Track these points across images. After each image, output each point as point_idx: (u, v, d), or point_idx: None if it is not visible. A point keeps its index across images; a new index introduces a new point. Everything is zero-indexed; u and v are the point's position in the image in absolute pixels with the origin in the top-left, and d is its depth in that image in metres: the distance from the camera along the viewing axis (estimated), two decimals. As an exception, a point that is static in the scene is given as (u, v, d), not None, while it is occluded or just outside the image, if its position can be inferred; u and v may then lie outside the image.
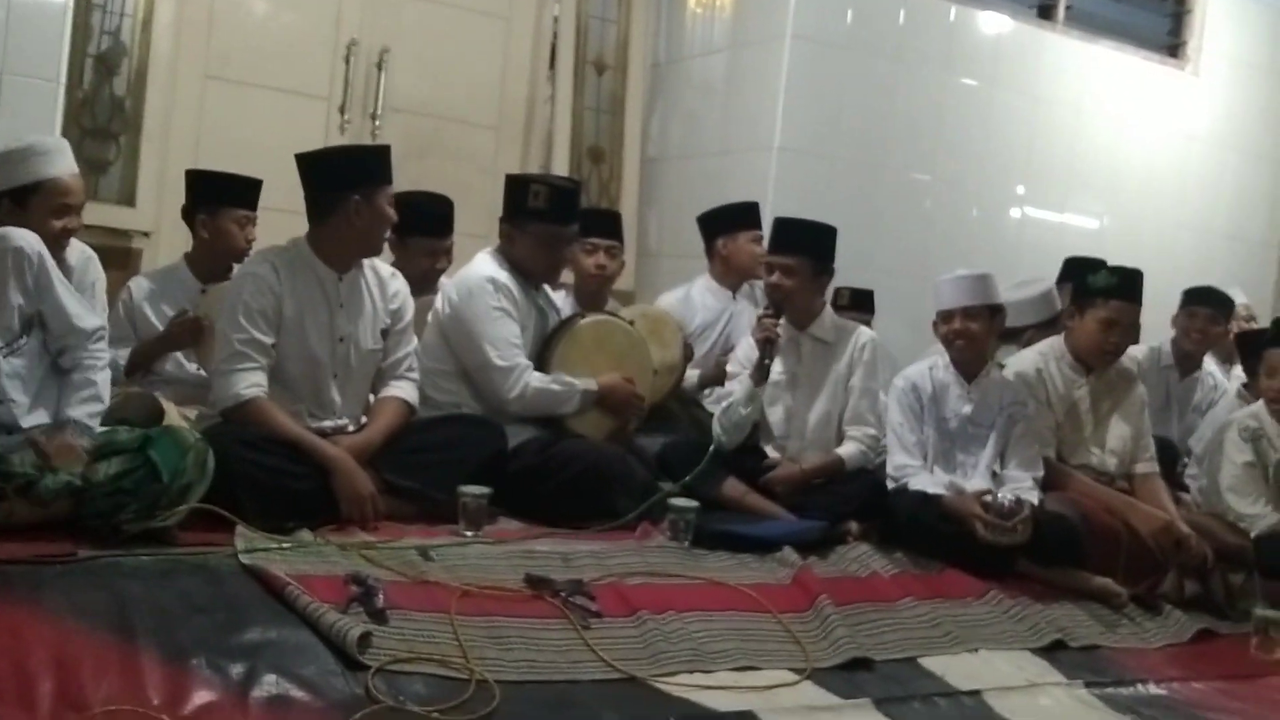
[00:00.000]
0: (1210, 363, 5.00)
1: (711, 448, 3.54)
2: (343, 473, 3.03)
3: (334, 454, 3.06)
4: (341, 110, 4.98)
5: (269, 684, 2.15)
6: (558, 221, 3.62)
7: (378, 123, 5.01)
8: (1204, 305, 4.74)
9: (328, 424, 3.23)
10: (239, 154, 4.32)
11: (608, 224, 4.38)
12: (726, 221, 4.60)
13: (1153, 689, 2.90)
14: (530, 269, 3.63)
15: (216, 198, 3.86)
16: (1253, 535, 3.68)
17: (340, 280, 3.25)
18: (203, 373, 3.71)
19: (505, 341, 3.48)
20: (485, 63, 5.34)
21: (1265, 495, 3.77)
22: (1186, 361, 4.78)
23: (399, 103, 5.10)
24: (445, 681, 2.28)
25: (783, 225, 3.78)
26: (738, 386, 3.67)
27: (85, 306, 2.92)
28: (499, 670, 2.34)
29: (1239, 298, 5.41)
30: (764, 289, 3.80)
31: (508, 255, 3.63)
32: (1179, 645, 3.30)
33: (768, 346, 3.61)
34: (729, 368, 3.87)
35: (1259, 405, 3.95)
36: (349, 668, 2.24)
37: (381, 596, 2.47)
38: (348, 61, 4.97)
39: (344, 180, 3.19)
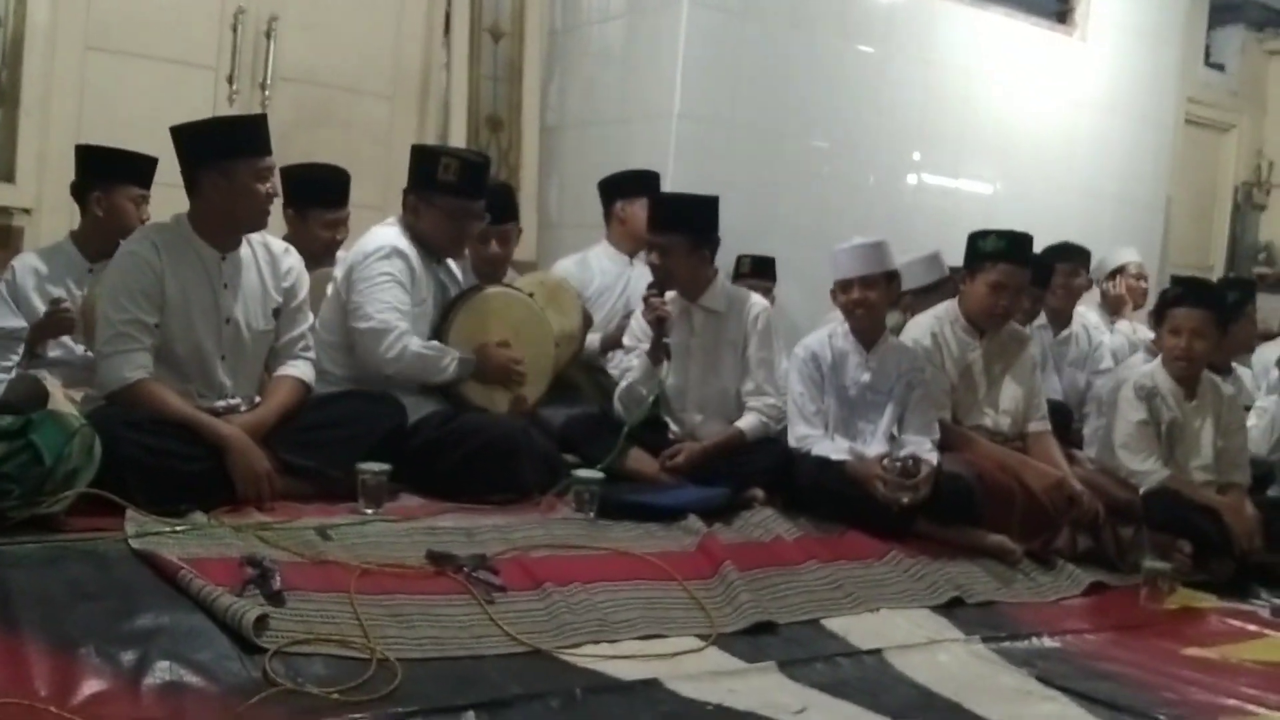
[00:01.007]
0: (1091, 316, 5.14)
1: (624, 430, 3.53)
2: (237, 451, 2.96)
3: (227, 432, 2.98)
4: (230, 80, 4.83)
5: (162, 671, 2.09)
6: (467, 196, 3.54)
7: (267, 93, 4.87)
8: (1062, 260, 4.89)
9: (219, 405, 3.15)
10: (124, 127, 4.17)
11: (501, 205, 4.30)
12: (625, 186, 4.61)
13: (1047, 642, 2.97)
14: (435, 242, 3.56)
15: (111, 174, 3.72)
16: (1142, 491, 3.79)
17: (224, 259, 3.16)
18: (90, 354, 3.58)
19: (388, 305, 3.40)
20: (378, 30, 5.22)
21: (1157, 453, 3.89)
22: (1057, 318, 4.93)
23: (289, 72, 4.97)
24: (346, 662, 2.25)
25: (658, 203, 3.80)
26: (636, 363, 3.66)
27: None
28: (401, 648, 2.32)
29: (1133, 257, 5.57)
30: (650, 267, 3.79)
31: (411, 227, 3.55)
32: (1072, 598, 3.40)
33: (660, 325, 3.61)
34: (625, 340, 3.87)
35: (1155, 364, 4.06)
36: (246, 651, 2.20)
37: (278, 578, 2.42)
38: (235, 30, 4.81)
39: (204, 154, 3.07)
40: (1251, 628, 3.26)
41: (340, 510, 3.00)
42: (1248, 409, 4.39)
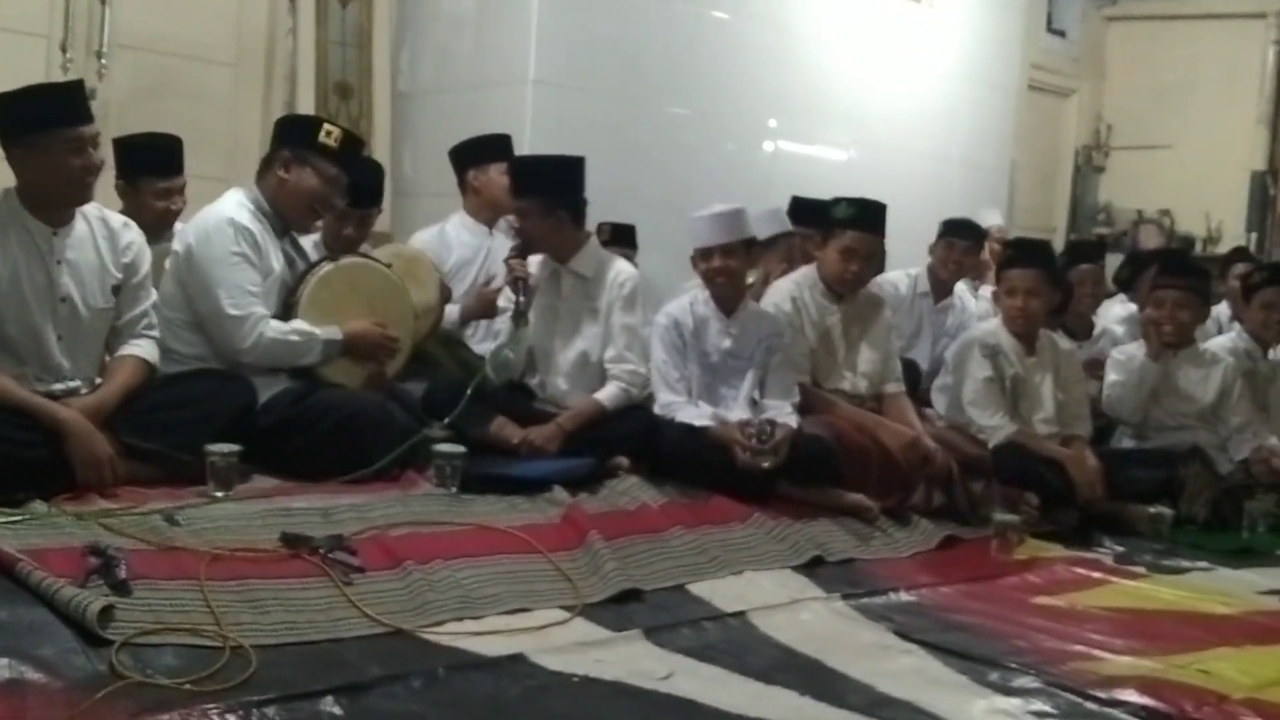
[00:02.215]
0: (960, 285, 5.28)
1: (470, 386, 3.45)
2: (76, 436, 2.82)
3: (65, 416, 2.84)
4: (63, 49, 4.57)
5: (1, 668, 1.99)
6: (342, 166, 3.44)
7: (104, 61, 4.64)
8: (963, 237, 5.02)
9: (57, 388, 2.99)
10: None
11: (374, 187, 4.20)
12: (477, 154, 4.49)
13: (904, 596, 3.05)
14: (295, 208, 3.41)
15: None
16: (991, 446, 3.92)
17: (55, 234, 3.00)
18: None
19: (240, 289, 3.25)
20: (219, -6, 5.02)
21: (1003, 408, 4.02)
22: (940, 289, 5.05)
23: (127, 39, 4.74)
24: (197, 651, 2.17)
25: (517, 166, 3.75)
26: (505, 325, 3.63)
27: None
28: (255, 635, 2.25)
29: (996, 219, 5.72)
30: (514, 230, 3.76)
31: (272, 191, 3.40)
32: (927, 553, 3.50)
33: (519, 286, 3.58)
34: (499, 302, 3.82)
35: (996, 322, 4.19)
36: (90, 644, 2.11)
37: (123, 567, 2.32)
38: (66, -6, 4.57)
39: (13, 127, 2.91)
40: (1096, 575, 3.39)
41: (188, 494, 2.88)
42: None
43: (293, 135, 3.45)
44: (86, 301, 3.04)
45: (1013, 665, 2.52)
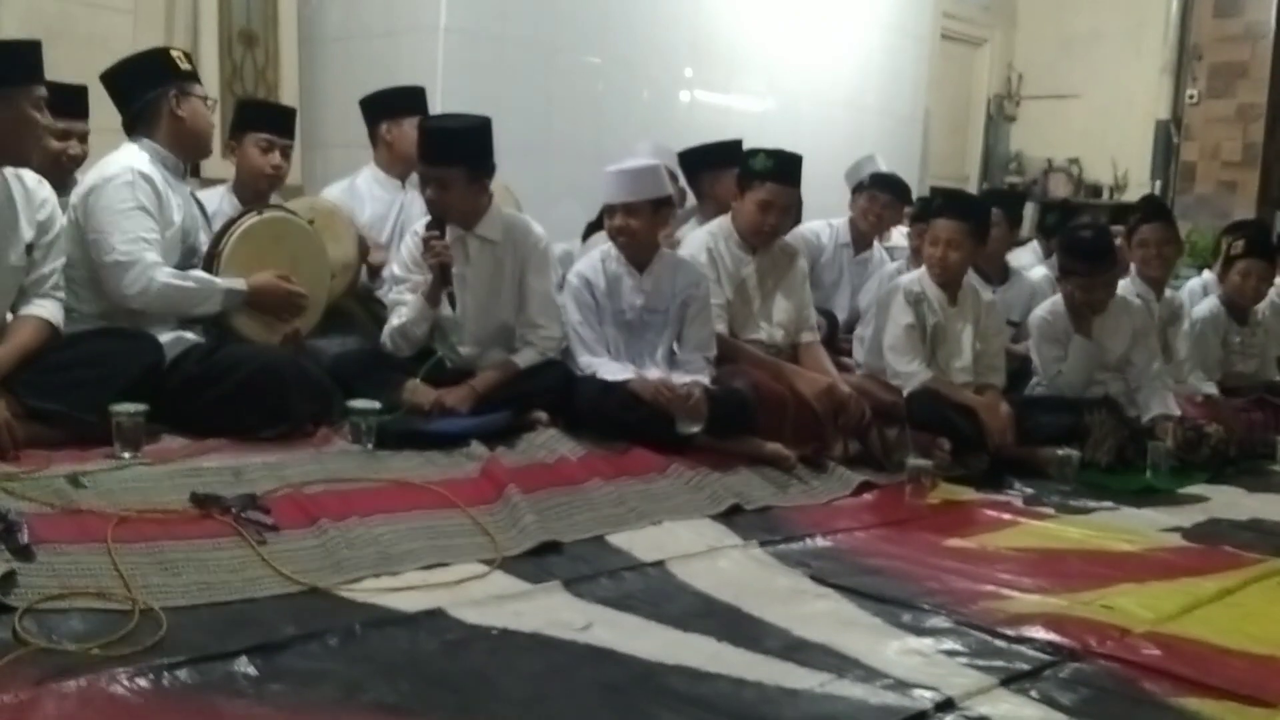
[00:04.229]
0: (896, 235, 5.30)
1: (421, 374, 3.42)
2: None
3: None
4: (-55, -9, 4.40)
5: (-104, 641, 1.93)
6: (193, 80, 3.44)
7: (-8, 6, 4.46)
8: (887, 191, 5.06)
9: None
10: None
11: (285, 120, 4.09)
12: (390, 106, 4.36)
13: (820, 541, 3.09)
14: (198, 137, 3.40)
15: None
16: (906, 392, 3.97)
17: None
18: None
19: (132, 235, 3.16)
20: (114, -62, 4.84)
21: (921, 355, 4.08)
22: (861, 240, 5.09)
23: (17, -16, 4.56)
24: (105, 615, 2.13)
25: (430, 135, 3.56)
26: (409, 299, 3.53)
27: None
28: (166, 597, 2.22)
29: (880, 166, 5.72)
30: (424, 202, 3.63)
31: (169, 138, 3.32)
32: (844, 499, 3.55)
33: (443, 271, 3.46)
34: (394, 269, 3.70)
35: (921, 271, 4.24)
36: (-8, 612, 2.05)
37: (25, 531, 2.27)
38: (-53, -64, 4.38)
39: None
40: (1006, 516, 3.47)
41: (94, 456, 2.80)
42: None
43: (157, 74, 3.37)
44: (4, 260, 2.93)
45: (925, 606, 2.57)
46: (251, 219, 3.43)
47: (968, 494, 3.69)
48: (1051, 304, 4.54)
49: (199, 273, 3.28)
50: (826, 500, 3.49)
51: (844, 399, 3.76)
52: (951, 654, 2.32)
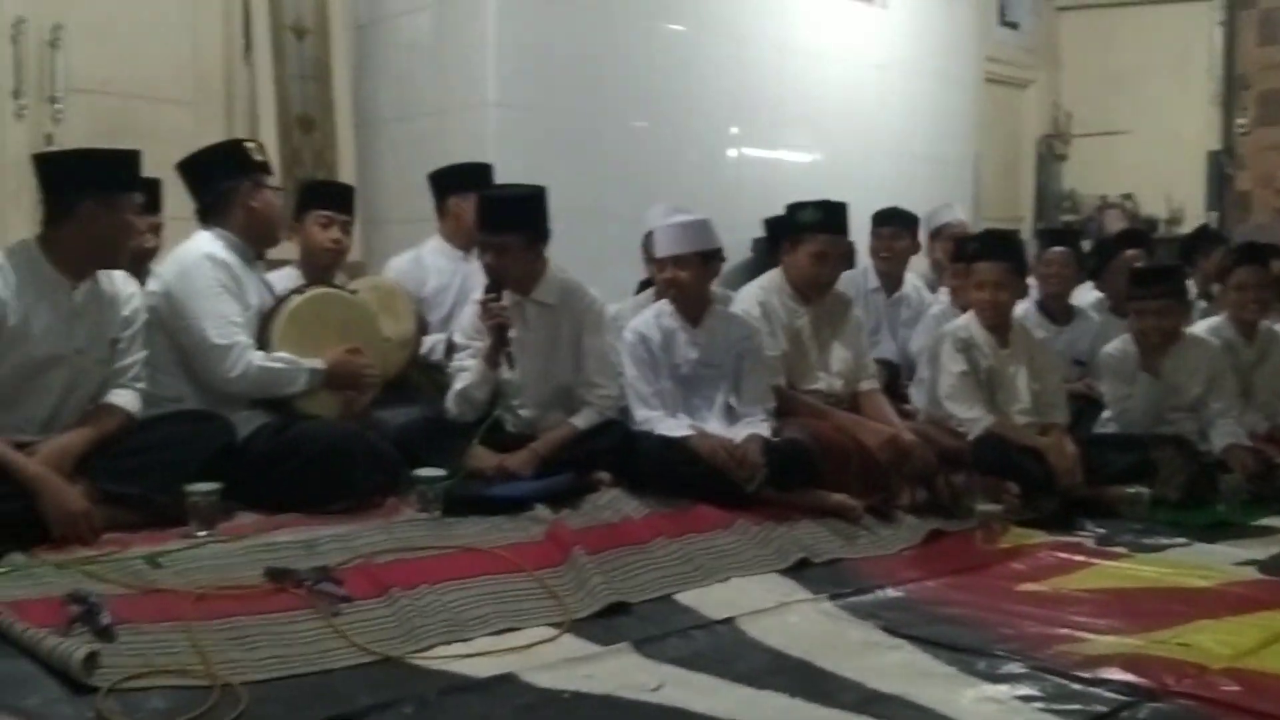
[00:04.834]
0: (913, 279, 5.31)
1: (477, 437, 3.46)
2: (48, 493, 2.80)
3: (34, 473, 2.82)
4: (15, 95, 4.57)
5: (-14, 724, 1.98)
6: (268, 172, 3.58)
7: (59, 106, 4.63)
8: (887, 225, 5.11)
9: (39, 439, 2.97)
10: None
11: (343, 197, 4.21)
12: (459, 180, 4.47)
13: (891, 592, 3.06)
14: (267, 226, 3.53)
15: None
16: (970, 438, 3.94)
17: (74, 289, 3.01)
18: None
19: (224, 319, 3.29)
20: (173, 33, 5.00)
21: (980, 400, 4.04)
22: (888, 280, 5.10)
23: (81, 83, 4.72)
24: (186, 692, 2.16)
25: (488, 204, 3.68)
26: (470, 364, 3.59)
27: None
28: (244, 672, 2.24)
29: (953, 216, 5.73)
30: (483, 268, 3.71)
31: (241, 226, 3.45)
32: (913, 548, 3.51)
33: (501, 333, 3.52)
34: (455, 338, 3.78)
35: (969, 316, 4.21)
36: (77, 692, 2.10)
37: (107, 612, 2.31)
38: (16, 42, 4.55)
39: (83, 182, 2.98)
40: (1079, 558, 3.42)
41: (171, 536, 2.87)
42: None
43: (232, 166, 3.50)
44: (93, 355, 3.06)
45: (999, 653, 2.53)
46: (295, 300, 3.51)
47: (1039, 537, 3.64)
48: (1122, 341, 4.49)
49: (284, 354, 3.37)
50: (896, 550, 3.46)
51: (908, 447, 3.74)
52: (1028, 699, 2.29)
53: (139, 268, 3.77)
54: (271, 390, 3.36)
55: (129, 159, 3.10)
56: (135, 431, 3.12)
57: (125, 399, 3.15)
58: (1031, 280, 5.24)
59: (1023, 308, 4.96)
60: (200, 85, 5.07)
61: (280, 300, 3.51)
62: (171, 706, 2.11)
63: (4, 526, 2.72)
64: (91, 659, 2.16)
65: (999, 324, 4.11)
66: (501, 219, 3.61)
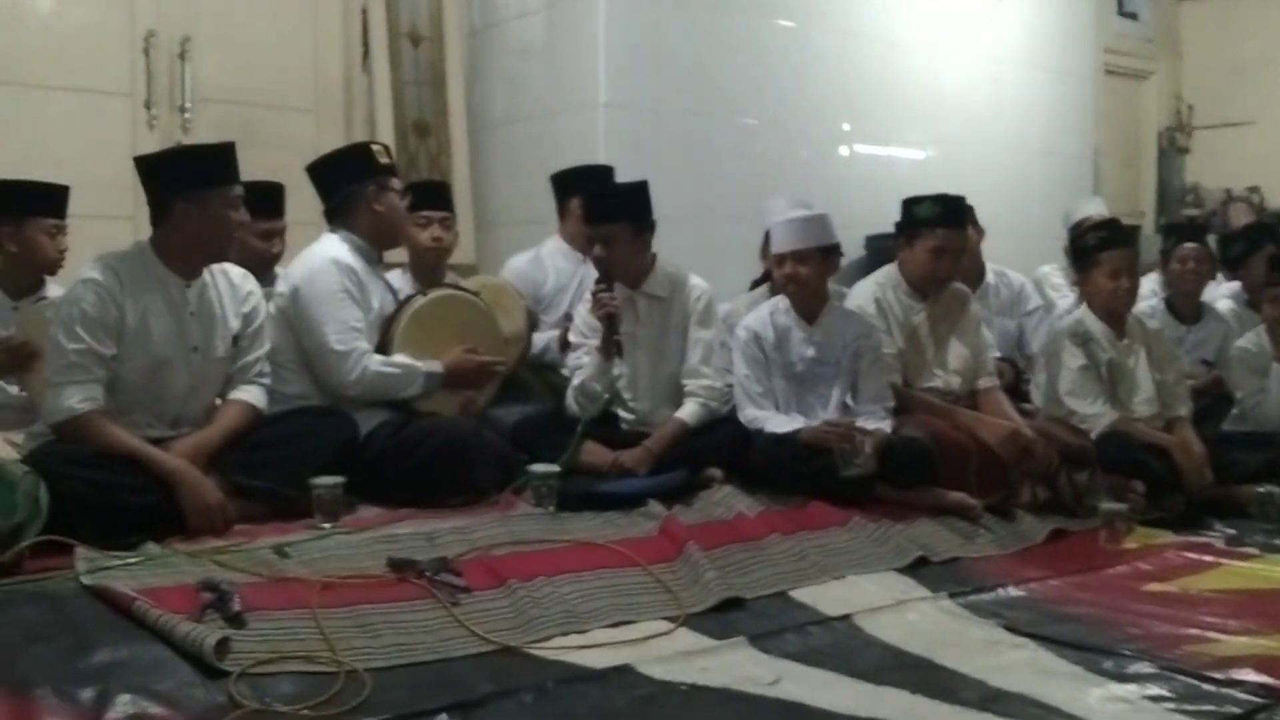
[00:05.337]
0: (993, 268, 5.15)
1: (579, 429, 3.47)
2: (186, 485, 2.90)
3: (174, 466, 2.92)
4: (147, 106, 4.77)
5: (124, 704, 2.04)
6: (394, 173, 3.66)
7: (187, 115, 4.82)
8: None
9: (170, 434, 3.09)
10: (40, 160, 4.08)
11: (438, 194, 4.30)
12: (581, 181, 4.51)
13: (1012, 591, 2.99)
14: (388, 231, 3.60)
15: (20, 207, 3.64)
16: (1094, 435, 3.84)
17: (188, 286, 3.12)
18: (24, 394, 3.51)
19: (345, 325, 3.37)
20: (295, 44, 5.17)
21: (1101, 394, 3.94)
22: (967, 275, 4.91)
23: (208, 93, 4.91)
24: (313, 677, 2.21)
25: (593, 198, 3.76)
26: (586, 359, 3.63)
27: None
28: (368, 659, 2.28)
29: (1095, 209, 5.57)
30: (592, 261, 3.75)
31: (367, 230, 3.53)
32: (1034, 548, 3.43)
33: (611, 321, 3.56)
34: (570, 337, 3.82)
35: (1082, 310, 4.13)
36: (209, 677, 2.16)
37: (237, 600, 2.38)
38: (147, 54, 4.75)
39: (172, 182, 3.06)
40: (1208, 559, 3.31)
41: (297, 528, 2.95)
42: None
43: (358, 169, 3.56)
44: (212, 351, 3.15)
45: (1126, 652, 2.46)
46: (419, 301, 3.58)
47: (1165, 537, 3.53)
48: (1255, 334, 4.35)
49: (401, 358, 3.44)
50: (1017, 549, 3.39)
51: (1029, 444, 3.65)
52: (1157, 700, 2.22)
53: (265, 271, 3.88)
54: (388, 394, 3.43)
55: (217, 153, 3.15)
56: (263, 427, 3.22)
57: (252, 395, 3.24)
58: (1153, 276, 5.10)
59: (1149, 305, 4.85)
60: (321, 93, 5.23)
61: (404, 302, 3.59)
62: (299, 691, 2.16)
63: (140, 518, 2.82)
64: (223, 644, 2.22)
65: (1122, 313, 4.02)
66: (606, 209, 3.67)
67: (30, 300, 3.62)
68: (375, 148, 3.65)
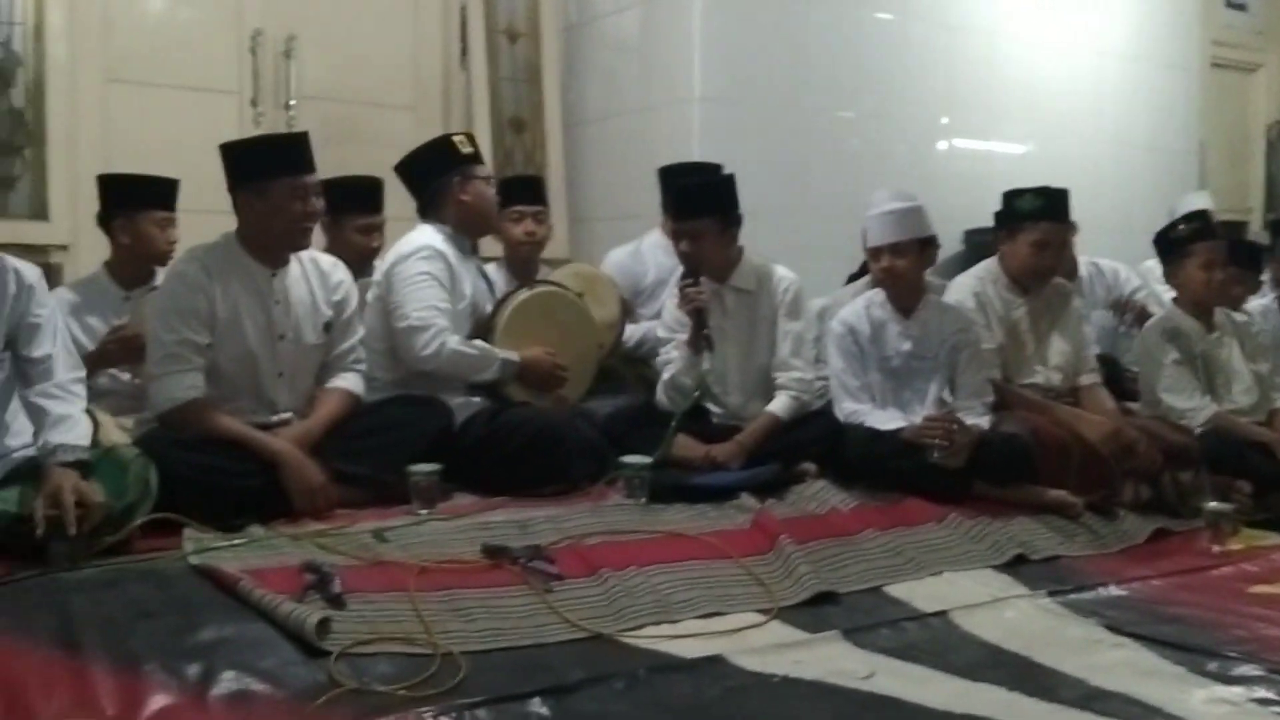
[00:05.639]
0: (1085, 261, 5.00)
1: (672, 423, 3.47)
2: (291, 466, 2.98)
3: (279, 448, 3.00)
4: (253, 103, 4.88)
5: (228, 680, 2.10)
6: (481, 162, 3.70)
7: (292, 112, 4.92)
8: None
9: (271, 419, 3.18)
10: (152, 156, 4.20)
11: (531, 189, 4.34)
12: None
13: (1114, 591, 2.93)
14: (481, 216, 3.65)
15: (132, 200, 3.75)
16: (1195, 428, 3.77)
17: (274, 275, 3.18)
18: (138, 382, 3.62)
19: (425, 303, 3.42)
20: (395, 42, 5.25)
21: (1199, 388, 3.88)
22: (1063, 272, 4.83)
23: (311, 90, 5.01)
24: (410, 659, 2.24)
25: (680, 192, 3.73)
26: (676, 354, 3.63)
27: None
28: (464, 642, 2.32)
29: (1202, 203, 5.43)
30: (679, 257, 3.73)
31: (457, 220, 3.59)
32: (1136, 547, 3.35)
33: (699, 316, 3.55)
34: (659, 332, 3.83)
35: (1171, 305, 4.09)
36: (310, 656, 2.21)
37: (338, 581, 2.43)
38: (254, 52, 4.87)
39: (240, 173, 3.13)
40: (1318, 561, 3.20)
41: (395, 513, 3.01)
42: None
43: (442, 162, 3.62)
44: (301, 338, 3.23)
45: (1232, 654, 2.39)
46: (524, 294, 3.63)
47: (1272, 538, 3.42)
48: None
49: (481, 342, 3.49)
50: (1117, 549, 3.31)
51: (1132, 442, 3.56)
52: (1265, 703, 2.15)
53: (364, 265, 3.96)
54: (463, 374, 3.46)
55: (281, 144, 3.19)
56: (362, 415, 3.28)
57: (350, 382, 3.32)
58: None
59: (1259, 304, 4.72)
60: (420, 90, 5.30)
61: (509, 294, 3.66)
62: (397, 672, 2.19)
63: (245, 501, 2.90)
64: (324, 624, 2.27)
65: (1210, 307, 3.98)
66: (693, 205, 3.64)
67: (142, 291, 3.72)
68: (457, 138, 3.69)
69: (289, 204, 3.11)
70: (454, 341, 3.42)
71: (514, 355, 3.51)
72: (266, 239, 3.16)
